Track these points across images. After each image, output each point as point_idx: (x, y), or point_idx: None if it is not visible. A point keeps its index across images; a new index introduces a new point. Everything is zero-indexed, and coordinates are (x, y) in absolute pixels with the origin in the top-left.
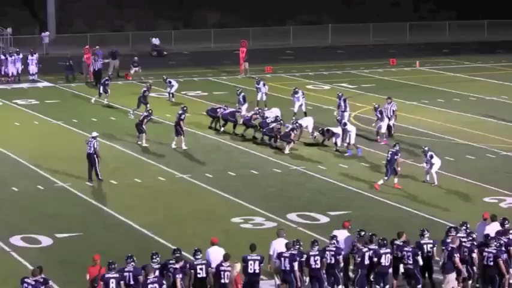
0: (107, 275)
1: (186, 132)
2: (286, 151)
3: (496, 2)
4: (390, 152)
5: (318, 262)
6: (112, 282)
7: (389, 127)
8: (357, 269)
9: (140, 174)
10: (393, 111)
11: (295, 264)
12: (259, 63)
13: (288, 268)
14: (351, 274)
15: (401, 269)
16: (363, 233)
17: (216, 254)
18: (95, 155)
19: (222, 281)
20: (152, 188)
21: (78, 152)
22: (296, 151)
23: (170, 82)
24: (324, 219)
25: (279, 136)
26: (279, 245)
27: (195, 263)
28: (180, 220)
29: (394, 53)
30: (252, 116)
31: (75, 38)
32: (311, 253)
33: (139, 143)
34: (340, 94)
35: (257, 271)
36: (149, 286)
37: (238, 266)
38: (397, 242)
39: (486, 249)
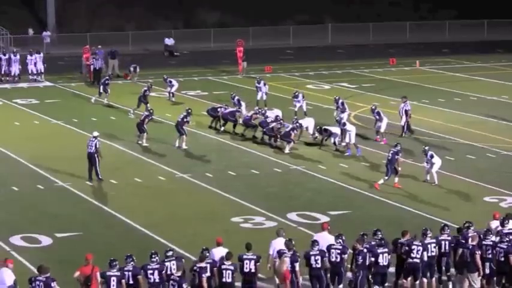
0: (108, 273)
1: (186, 131)
2: (286, 150)
3: (496, 2)
4: (391, 152)
5: (319, 262)
6: (113, 280)
7: (403, 127)
8: (358, 270)
9: (140, 174)
10: (406, 110)
11: (296, 265)
12: (259, 63)
13: (289, 268)
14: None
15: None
16: (365, 236)
17: (220, 254)
18: (96, 155)
19: (224, 279)
20: (152, 187)
21: (78, 151)
22: (296, 151)
23: (171, 82)
24: (324, 218)
25: (279, 136)
26: (278, 245)
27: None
28: (180, 220)
29: (394, 52)
30: (252, 116)
31: (75, 38)
32: (311, 253)
33: (139, 142)
34: (337, 98)
35: (253, 270)
36: (171, 282)
37: (287, 261)
38: (401, 241)
39: (498, 245)
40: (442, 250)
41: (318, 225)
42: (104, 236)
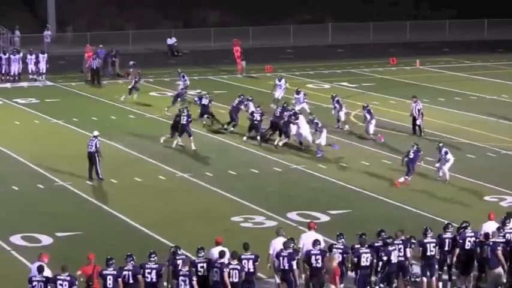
0: (105, 272)
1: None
2: (279, 143)
3: (497, 1)
4: (413, 151)
5: (320, 261)
6: (109, 279)
7: (418, 127)
8: (355, 269)
9: (140, 174)
10: (418, 110)
11: (294, 263)
12: (260, 62)
13: (287, 267)
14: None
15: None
16: (364, 236)
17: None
18: (96, 154)
19: (231, 279)
20: (152, 187)
21: (78, 150)
22: (296, 150)
23: (184, 76)
24: (324, 218)
25: (270, 131)
26: (278, 244)
27: (197, 260)
28: (181, 219)
29: (394, 52)
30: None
31: (75, 37)
32: (312, 252)
33: (180, 144)
34: (334, 95)
35: (251, 270)
36: (180, 278)
37: (336, 258)
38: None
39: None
40: (446, 248)
41: (319, 224)
42: (104, 235)
